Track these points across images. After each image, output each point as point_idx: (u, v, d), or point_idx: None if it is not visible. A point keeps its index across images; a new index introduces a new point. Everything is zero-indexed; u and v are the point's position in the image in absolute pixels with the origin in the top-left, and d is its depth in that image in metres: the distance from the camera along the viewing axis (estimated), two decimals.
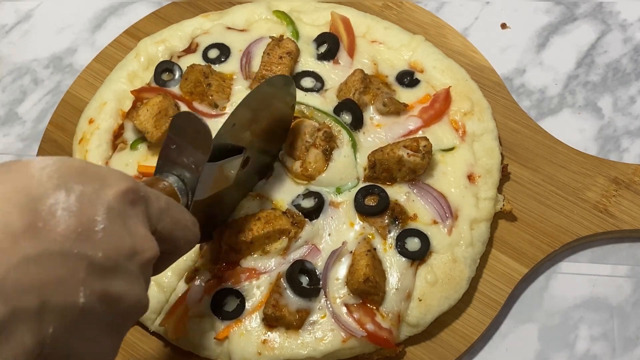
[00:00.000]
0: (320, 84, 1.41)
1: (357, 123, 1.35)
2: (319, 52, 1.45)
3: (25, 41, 1.65)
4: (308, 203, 1.29)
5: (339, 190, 1.30)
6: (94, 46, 1.61)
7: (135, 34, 1.58)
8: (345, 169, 1.31)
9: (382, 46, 1.46)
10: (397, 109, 1.36)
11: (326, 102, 1.38)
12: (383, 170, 1.28)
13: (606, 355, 1.24)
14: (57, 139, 1.47)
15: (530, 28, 1.58)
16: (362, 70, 1.38)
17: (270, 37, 1.44)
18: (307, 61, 1.43)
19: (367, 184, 1.30)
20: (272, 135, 1.30)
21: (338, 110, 1.36)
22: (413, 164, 1.26)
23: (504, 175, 1.35)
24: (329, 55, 1.44)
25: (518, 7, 1.61)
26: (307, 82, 1.41)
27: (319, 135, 1.31)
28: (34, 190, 0.73)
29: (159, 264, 0.92)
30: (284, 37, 1.44)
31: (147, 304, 0.87)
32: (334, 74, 1.42)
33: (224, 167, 1.14)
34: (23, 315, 0.68)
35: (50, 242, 0.72)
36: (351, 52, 1.44)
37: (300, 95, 1.34)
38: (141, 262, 0.83)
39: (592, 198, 1.33)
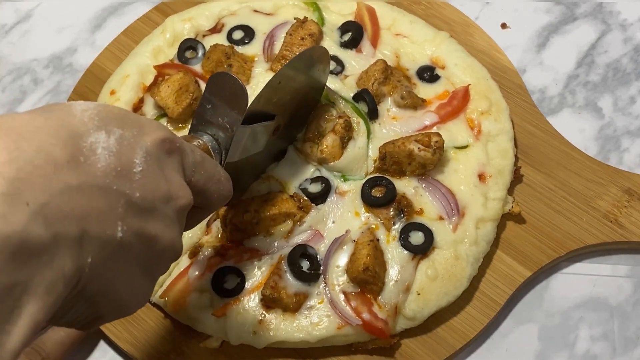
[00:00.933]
0: (340, 67, 1.41)
1: (372, 114, 1.35)
2: (343, 40, 1.44)
3: (25, 41, 1.65)
4: (315, 188, 1.29)
5: (345, 178, 1.30)
6: (94, 46, 1.61)
7: (164, 10, 1.59)
8: (357, 160, 1.31)
9: (406, 40, 1.45)
10: (415, 103, 1.36)
11: (345, 88, 1.38)
12: (393, 162, 1.28)
13: (606, 355, 1.23)
14: None
15: (530, 28, 1.58)
16: (384, 61, 1.38)
17: (295, 18, 1.45)
18: (330, 46, 1.42)
19: (375, 175, 1.30)
20: (297, 117, 1.30)
21: (355, 98, 1.36)
22: (423, 159, 1.26)
23: (517, 178, 1.34)
24: (352, 43, 1.44)
25: (518, 7, 1.61)
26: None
27: (339, 122, 1.31)
28: (76, 128, 0.74)
29: (191, 219, 0.94)
30: (308, 19, 1.44)
31: (181, 249, 0.90)
32: (355, 62, 1.42)
33: (256, 131, 1.16)
34: (64, 242, 0.68)
35: (90, 175, 0.73)
36: (374, 42, 1.44)
37: None
38: (176, 208, 0.85)
39: (603, 207, 1.32)
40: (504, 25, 1.58)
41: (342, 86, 1.38)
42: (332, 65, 1.40)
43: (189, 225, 0.95)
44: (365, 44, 1.44)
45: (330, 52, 1.38)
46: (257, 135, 1.17)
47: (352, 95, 1.37)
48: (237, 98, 1.05)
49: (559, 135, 1.40)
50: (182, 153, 0.89)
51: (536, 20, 1.59)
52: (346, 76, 1.40)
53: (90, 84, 1.50)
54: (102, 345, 1.28)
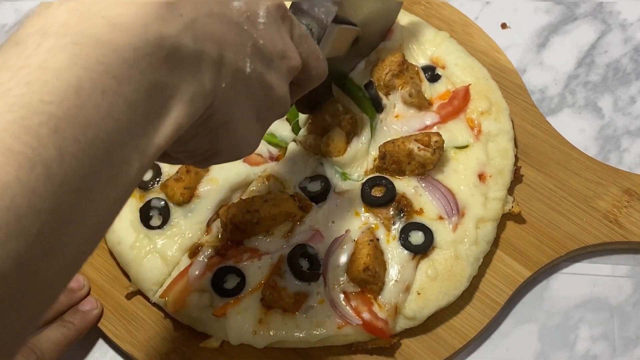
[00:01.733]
0: None
1: (376, 108, 1.35)
2: None
3: None
4: (314, 187, 1.29)
5: (344, 177, 1.30)
6: None
7: None
8: (358, 157, 1.31)
9: (404, 43, 1.44)
10: (421, 104, 1.35)
11: (356, 73, 1.38)
12: (393, 162, 1.28)
13: (606, 355, 1.23)
14: None
15: (531, 28, 1.57)
16: (403, 55, 1.38)
17: None
18: None
19: (375, 174, 1.30)
20: (367, 40, 1.34)
21: (365, 87, 1.36)
22: (423, 159, 1.26)
23: (517, 178, 1.33)
24: None
25: (518, 7, 1.60)
26: None
27: (346, 118, 1.31)
28: None
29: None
30: None
31: (289, 107, 0.97)
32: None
33: (342, 33, 1.18)
34: (206, 60, 0.75)
35: (228, 10, 0.80)
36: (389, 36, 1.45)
37: None
38: (288, 66, 0.92)
39: (603, 207, 1.32)
40: (504, 25, 1.58)
41: (355, 72, 1.39)
42: None
43: None
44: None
45: None
46: (342, 37, 1.20)
47: (362, 84, 1.37)
48: None
49: (559, 135, 1.39)
50: (292, 22, 0.95)
51: (536, 20, 1.58)
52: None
53: None
54: (102, 345, 1.27)
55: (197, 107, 0.75)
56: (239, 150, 0.92)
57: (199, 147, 0.86)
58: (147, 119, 0.68)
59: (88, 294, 1.27)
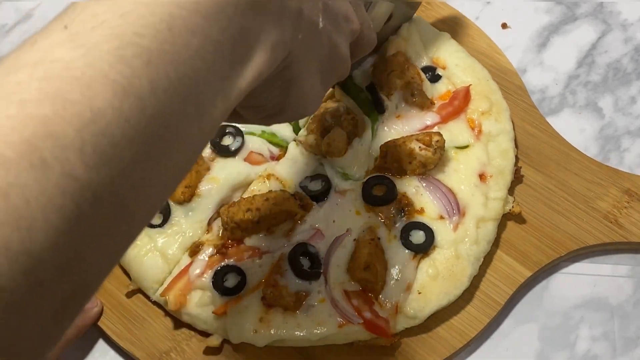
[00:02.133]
0: None
1: (378, 109, 1.35)
2: None
3: None
4: (315, 186, 1.29)
5: (345, 177, 1.30)
6: None
7: None
8: (359, 158, 1.31)
9: (409, 40, 1.44)
10: (422, 103, 1.35)
11: (359, 74, 1.39)
12: (394, 161, 1.28)
13: (607, 355, 1.23)
14: None
15: (531, 28, 1.57)
16: (403, 54, 1.38)
17: None
18: None
19: (376, 174, 1.30)
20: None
21: (368, 89, 1.37)
22: (424, 158, 1.26)
23: (517, 178, 1.33)
24: None
25: (518, 7, 1.60)
26: None
27: (347, 118, 1.31)
28: None
29: None
30: None
31: (348, 70, 0.99)
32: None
33: (382, 7, 1.25)
34: (287, 12, 0.76)
35: None
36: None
37: None
38: (350, 29, 0.94)
39: (603, 208, 1.31)
40: (504, 25, 1.57)
41: (357, 73, 1.39)
42: None
43: None
44: None
45: None
46: (382, 12, 1.26)
47: (365, 86, 1.37)
48: None
49: (559, 136, 1.39)
50: None
51: (536, 20, 1.58)
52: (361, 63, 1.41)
53: None
54: (102, 345, 1.27)
55: (277, 56, 0.76)
56: (305, 108, 0.93)
57: (269, 101, 0.87)
58: (232, 62, 0.69)
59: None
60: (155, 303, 1.26)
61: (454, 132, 1.33)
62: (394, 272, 1.21)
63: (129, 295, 1.27)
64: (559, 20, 1.58)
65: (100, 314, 1.25)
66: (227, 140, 1.33)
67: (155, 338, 1.24)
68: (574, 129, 1.44)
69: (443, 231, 1.24)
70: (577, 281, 1.29)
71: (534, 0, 1.61)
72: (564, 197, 1.33)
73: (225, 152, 1.32)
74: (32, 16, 1.68)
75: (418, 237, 1.24)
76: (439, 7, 1.55)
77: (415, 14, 1.46)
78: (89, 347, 1.27)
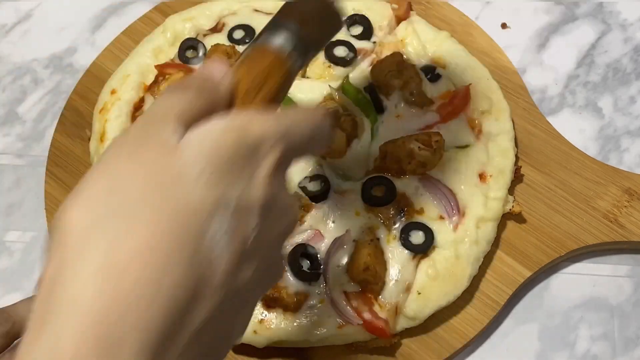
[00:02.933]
0: (352, 54, 1.40)
1: (378, 110, 1.35)
2: (353, 34, 1.44)
3: (25, 41, 1.64)
4: (314, 186, 1.27)
5: (345, 177, 1.29)
6: (94, 46, 1.60)
7: (164, 10, 1.58)
8: (359, 159, 1.30)
9: (408, 39, 1.44)
10: (422, 102, 1.34)
11: (359, 76, 1.38)
12: (393, 161, 1.27)
13: (606, 355, 1.22)
14: (79, 107, 1.47)
15: (531, 28, 1.56)
16: (401, 54, 1.38)
17: None
18: (340, 36, 1.41)
19: (376, 174, 1.29)
20: None
21: (367, 90, 1.36)
22: (423, 158, 1.25)
23: (517, 178, 1.33)
24: (365, 35, 1.44)
25: (518, 7, 1.59)
26: (340, 50, 1.40)
27: (346, 120, 1.30)
28: (195, 218, 0.63)
29: None
30: None
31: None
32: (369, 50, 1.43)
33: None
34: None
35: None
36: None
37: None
38: None
39: (603, 207, 1.31)
40: (504, 25, 1.57)
41: (354, 74, 1.38)
42: (345, 51, 1.40)
43: None
44: (381, 34, 1.45)
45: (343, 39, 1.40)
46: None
47: (363, 85, 1.37)
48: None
49: (559, 135, 1.38)
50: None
51: (536, 20, 1.57)
52: (359, 63, 1.41)
53: (90, 84, 1.49)
54: None
55: None
56: None
57: None
58: None
59: None
60: None
61: (454, 132, 1.32)
62: (394, 272, 1.20)
63: None
64: (558, 21, 1.57)
65: None
66: None
67: None
68: (574, 129, 1.43)
69: (443, 231, 1.24)
70: (577, 281, 1.29)
71: (534, 0, 1.60)
72: (563, 197, 1.32)
73: None
74: (32, 16, 1.68)
75: (418, 237, 1.23)
76: (439, 6, 1.55)
77: (414, 14, 1.46)
78: None
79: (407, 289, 1.20)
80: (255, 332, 1.18)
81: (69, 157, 1.43)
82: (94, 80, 1.50)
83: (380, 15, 1.47)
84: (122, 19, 1.64)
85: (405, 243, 1.22)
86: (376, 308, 1.18)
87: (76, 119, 1.46)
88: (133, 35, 1.55)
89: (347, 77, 1.37)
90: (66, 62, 1.60)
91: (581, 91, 1.48)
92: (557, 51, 1.54)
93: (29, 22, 1.67)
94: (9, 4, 1.70)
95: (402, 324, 1.20)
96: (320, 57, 1.39)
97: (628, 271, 1.30)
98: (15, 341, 1.09)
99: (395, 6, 1.47)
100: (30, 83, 1.58)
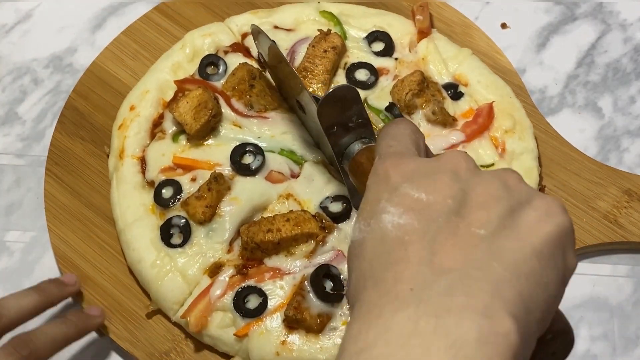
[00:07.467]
0: (374, 77, 1.36)
1: None
2: (374, 51, 1.41)
3: (25, 41, 1.58)
4: (336, 207, 1.24)
5: None
6: (94, 46, 1.54)
7: (164, 10, 1.53)
8: None
9: (429, 56, 1.40)
10: (445, 120, 1.30)
11: (378, 98, 1.35)
12: None
13: (606, 355, 1.22)
14: (79, 107, 1.42)
15: (530, 28, 1.54)
16: (422, 72, 1.33)
17: (318, 30, 1.39)
18: (362, 56, 1.39)
19: None
20: None
21: (387, 109, 1.33)
22: None
23: None
24: (387, 52, 1.41)
25: (518, 7, 1.56)
26: (361, 74, 1.37)
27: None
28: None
29: None
30: (332, 32, 1.38)
31: None
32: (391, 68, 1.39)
33: None
34: None
35: None
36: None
37: None
38: None
39: (603, 208, 1.30)
40: (504, 25, 1.53)
41: (374, 96, 1.35)
42: (366, 75, 1.37)
43: None
44: (403, 51, 1.41)
45: (365, 61, 1.37)
46: None
47: (384, 105, 1.33)
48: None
49: (558, 136, 1.36)
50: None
51: (536, 20, 1.54)
52: (379, 84, 1.37)
53: (90, 84, 1.44)
54: (102, 345, 1.24)
55: None
56: None
57: None
58: None
59: (78, 291, 1.23)
60: (175, 324, 1.21)
61: (479, 151, 1.29)
62: None
63: (149, 315, 1.23)
64: (558, 20, 1.54)
65: (101, 323, 1.21)
66: (248, 159, 1.28)
67: (154, 338, 1.22)
68: (574, 129, 1.41)
69: None
70: (576, 281, 1.24)
71: (534, 0, 1.57)
72: (563, 197, 1.31)
73: (245, 171, 1.27)
74: (32, 16, 1.61)
75: None
76: (439, 7, 1.50)
77: (435, 31, 1.44)
78: (88, 347, 1.25)
79: None
80: (277, 353, 1.14)
81: (68, 156, 1.38)
82: (93, 80, 1.45)
83: (401, 32, 1.43)
84: (122, 19, 1.58)
85: None
86: None
87: (76, 119, 1.41)
88: (133, 35, 1.50)
89: (364, 100, 1.33)
90: (66, 62, 1.55)
91: (581, 91, 1.46)
92: (556, 51, 1.51)
93: (29, 22, 1.61)
94: (9, 4, 1.63)
95: None
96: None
97: (628, 271, 1.29)
98: (4, 336, 1.07)
99: (421, 17, 1.43)
100: (30, 83, 1.52)
